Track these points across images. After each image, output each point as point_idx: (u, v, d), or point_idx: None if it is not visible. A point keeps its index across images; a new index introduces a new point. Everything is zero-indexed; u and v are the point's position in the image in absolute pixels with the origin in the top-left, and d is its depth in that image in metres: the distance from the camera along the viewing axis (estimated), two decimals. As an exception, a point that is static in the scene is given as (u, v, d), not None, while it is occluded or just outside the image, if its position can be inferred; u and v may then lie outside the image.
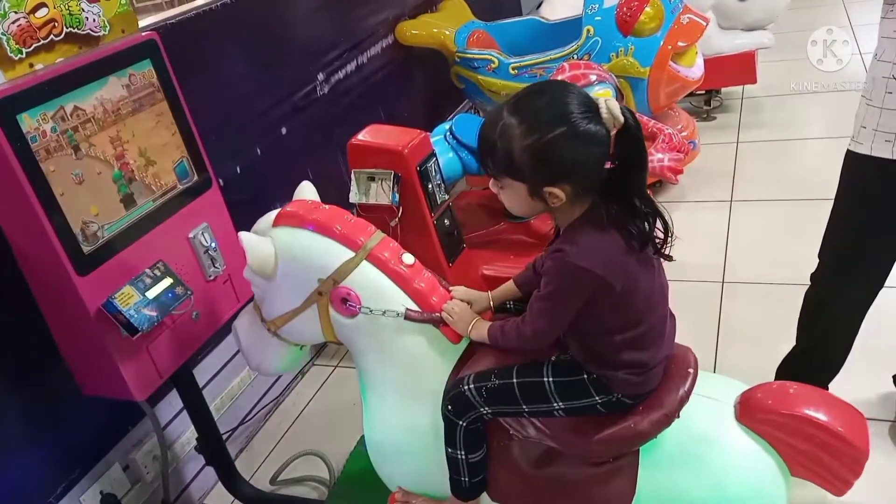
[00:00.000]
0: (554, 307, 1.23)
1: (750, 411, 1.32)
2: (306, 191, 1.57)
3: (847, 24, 4.76)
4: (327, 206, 1.51)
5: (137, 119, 1.53)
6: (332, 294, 1.42)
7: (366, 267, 1.42)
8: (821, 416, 1.27)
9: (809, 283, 1.84)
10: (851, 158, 1.64)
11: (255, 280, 1.50)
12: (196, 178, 1.68)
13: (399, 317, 1.40)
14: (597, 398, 1.27)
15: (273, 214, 1.50)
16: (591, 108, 1.12)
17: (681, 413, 1.28)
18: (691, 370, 1.31)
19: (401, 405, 1.48)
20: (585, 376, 1.27)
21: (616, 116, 1.11)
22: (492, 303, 1.48)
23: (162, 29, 1.98)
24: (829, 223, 1.75)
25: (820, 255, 1.80)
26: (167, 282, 1.54)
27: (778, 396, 1.33)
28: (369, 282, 1.42)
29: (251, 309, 1.60)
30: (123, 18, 1.60)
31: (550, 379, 1.29)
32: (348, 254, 1.42)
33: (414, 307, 1.42)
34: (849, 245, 1.71)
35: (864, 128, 1.57)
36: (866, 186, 1.63)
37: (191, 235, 1.65)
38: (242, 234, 1.43)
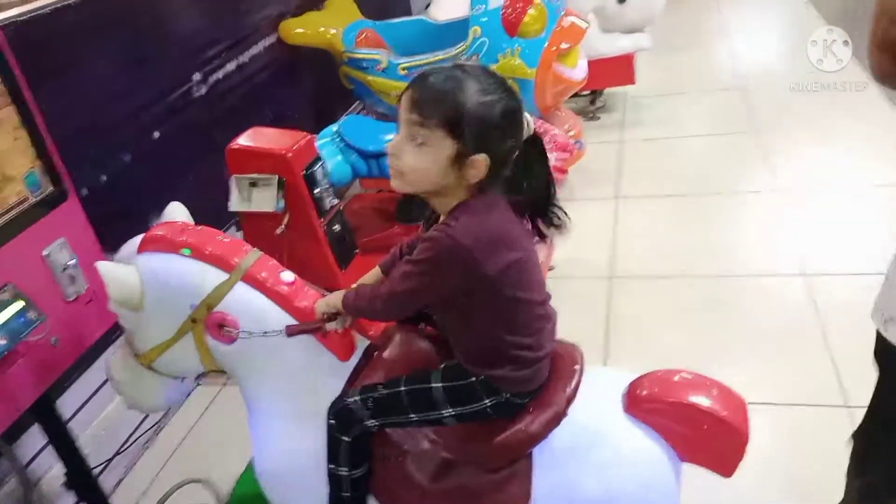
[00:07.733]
0: (420, 274, 1.19)
1: (636, 402, 1.34)
2: (176, 212, 1.48)
3: (721, 27, 5.07)
4: (198, 227, 1.43)
5: (-25, 125, 1.38)
6: (208, 320, 1.34)
7: (241, 289, 1.35)
8: (704, 403, 1.31)
9: None
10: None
11: (121, 312, 1.40)
12: (50, 188, 1.53)
13: (281, 334, 1.33)
14: (486, 401, 1.25)
15: (137, 239, 1.40)
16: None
17: (570, 410, 1.29)
18: (577, 367, 1.32)
19: (289, 430, 1.41)
20: (474, 378, 1.26)
21: (531, 129, 1.20)
22: None
23: (11, 26, 1.81)
24: None
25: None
26: (17, 306, 1.40)
27: (663, 385, 1.36)
28: (247, 304, 1.35)
29: (123, 343, 1.49)
30: (-40, 16, 1.44)
31: (439, 384, 1.26)
32: (222, 276, 1.34)
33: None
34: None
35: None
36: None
37: (45, 253, 1.51)
38: (100, 265, 1.32)
